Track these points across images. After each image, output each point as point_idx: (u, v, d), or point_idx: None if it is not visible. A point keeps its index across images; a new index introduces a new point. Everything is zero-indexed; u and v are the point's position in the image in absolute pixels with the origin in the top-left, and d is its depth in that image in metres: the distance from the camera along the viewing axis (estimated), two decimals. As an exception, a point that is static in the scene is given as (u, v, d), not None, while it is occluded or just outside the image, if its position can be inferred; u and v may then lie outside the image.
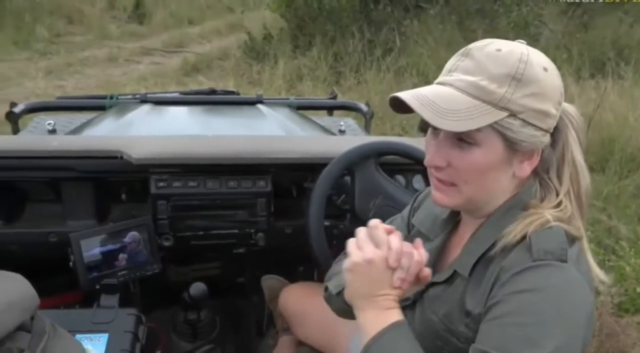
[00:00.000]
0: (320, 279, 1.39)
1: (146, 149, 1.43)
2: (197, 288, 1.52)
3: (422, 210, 1.03)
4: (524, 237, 0.77)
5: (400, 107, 0.81)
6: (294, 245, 1.55)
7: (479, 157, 0.78)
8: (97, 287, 1.35)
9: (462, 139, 0.78)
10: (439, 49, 5.65)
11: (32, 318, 0.83)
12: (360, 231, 0.83)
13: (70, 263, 1.39)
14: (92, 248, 1.39)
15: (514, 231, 0.77)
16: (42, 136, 2.01)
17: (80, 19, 8.35)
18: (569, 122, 0.83)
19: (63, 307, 1.48)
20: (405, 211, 1.08)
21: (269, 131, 1.88)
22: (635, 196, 3.38)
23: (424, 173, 1.53)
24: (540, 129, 0.78)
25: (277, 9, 6.77)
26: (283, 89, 5.44)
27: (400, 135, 4.08)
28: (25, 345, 0.79)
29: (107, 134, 1.83)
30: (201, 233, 1.52)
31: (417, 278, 0.82)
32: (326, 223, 1.43)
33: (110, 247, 1.41)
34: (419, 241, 0.83)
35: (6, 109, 2.12)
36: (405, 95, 0.78)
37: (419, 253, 0.81)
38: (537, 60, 0.78)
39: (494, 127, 0.76)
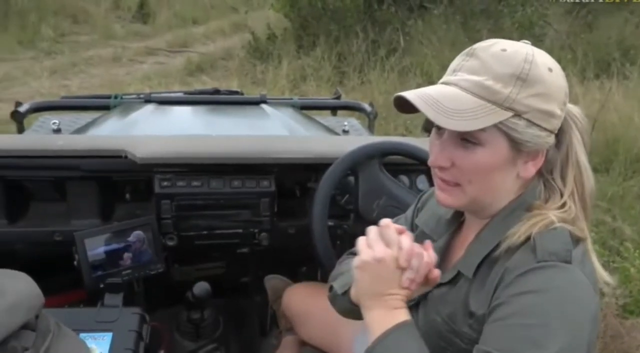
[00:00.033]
0: (324, 279, 1.39)
1: (150, 149, 1.44)
2: (201, 287, 1.52)
3: (425, 211, 1.03)
4: (528, 238, 0.77)
5: (405, 106, 0.81)
6: (297, 245, 1.55)
7: (483, 157, 0.78)
8: (101, 286, 1.36)
9: (467, 139, 0.78)
10: (443, 49, 5.64)
11: (36, 317, 0.83)
12: (371, 230, 0.83)
13: (75, 262, 1.39)
14: (96, 248, 1.39)
15: (518, 232, 0.77)
16: (47, 135, 2.02)
17: (85, 18, 8.37)
18: (573, 123, 0.82)
19: (67, 306, 1.48)
20: (409, 212, 1.08)
21: (272, 131, 1.88)
22: (640, 197, 3.37)
23: (428, 173, 1.52)
24: (545, 129, 0.78)
25: (281, 9, 6.77)
26: (287, 88, 5.45)
27: (404, 135, 4.08)
28: (29, 343, 0.79)
29: (112, 133, 1.84)
30: (205, 232, 1.53)
31: (426, 279, 0.82)
32: (330, 223, 1.43)
33: (114, 246, 1.41)
34: (428, 243, 0.83)
35: (11, 108, 2.12)
36: (410, 94, 0.78)
37: (429, 254, 0.81)
38: (542, 61, 0.78)
39: (498, 127, 0.76)
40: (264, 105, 2.17)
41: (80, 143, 1.55)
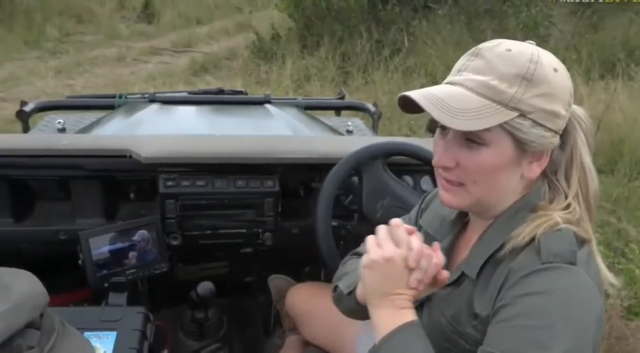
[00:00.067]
0: (327, 279, 1.40)
1: (155, 148, 1.44)
2: (205, 287, 1.52)
3: (429, 212, 1.02)
4: (532, 239, 0.76)
5: (409, 106, 0.80)
6: (301, 245, 1.55)
7: (488, 157, 0.78)
8: (106, 285, 1.36)
9: (471, 139, 0.78)
10: (447, 49, 5.63)
11: (41, 315, 0.83)
12: (381, 229, 0.83)
13: (79, 261, 1.40)
14: (100, 247, 1.39)
15: (522, 233, 0.77)
16: (52, 135, 2.03)
17: (90, 18, 8.40)
18: (578, 125, 0.82)
19: (72, 305, 1.49)
20: (413, 212, 1.08)
21: (276, 131, 1.88)
22: (645, 198, 3.35)
23: (432, 174, 1.52)
24: (550, 129, 0.78)
25: (285, 9, 6.78)
26: (291, 89, 5.45)
27: (407, 135, 4.07)
28: (34, 342, 0.79)
29: (116, 133, 1.85)
30: (209, 232, 1.53)
31: (434, 281, 0.81)
32: (333, 223, 1.43)
33: (118, 245, 1.42)
34: (437, 244, 0.83)
35: (17, 107, 2.13)
36: (415, 94, 0.78)
37: (437, 256, 0.81)
38: (548, 61, 0.78)
39: (503, 127, 0.76)
40: (268, 105, 2.17)
41: (85, 142, 1.55)
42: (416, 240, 0.80)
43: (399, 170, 1.51)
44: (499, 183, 0.80)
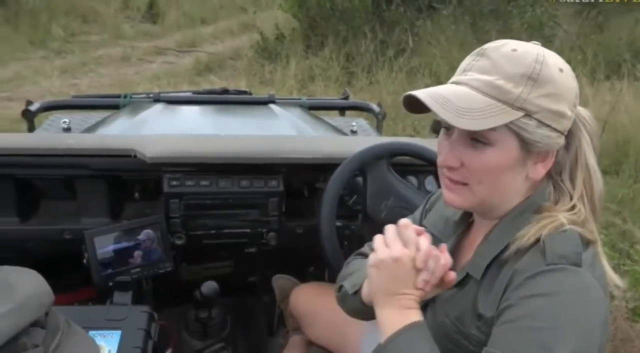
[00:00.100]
0: (331, 279, 1.39)
1: (159, 148, 1.45)
2: (209, 286, 1.52)
3: (433, 212, 1.02)
4: (537, 240, 0.76)
5: (414, 106, 0.80)
6: (305, 245, 1.55)
7: (493, 157, 0.77)
8: (111, 284, 1.37)
9: (476, 139, 0.78)
10: (451, 49, 5.62)
11: (46, 314, 0.84)
12: (390, 229, 0.83)
13: (84, 260, 1.40)
14: (105, 246, 1.40)
15: (527, 234, 0.77)
16: (57, 134, 2.04)
17: (95, 18, 8.44)
18: (583, 126, 0.82)
19: (77, 304, 1.49)
20: (417, 213, 1.08)
21: (281, 131, 1.89)
22: (651, 199, 3.33)
23: (436, 174, 1.50)
24: (555, 130, 0.78)
25: (290, 9, 6.78)
26: (295, 89, 5.45)
27: (412, 136, 4.07)
28: (39, 340, 0.80)
29: (121, 132, 1.85)
30: (213, 232, 1.53)
31: (441, 282, 0.81)
32: (338, 223, 1.43)
33: (123, 244, 1.42)
34: (443, 246, 0.83)
35: (22, 107, 2.14)
36: (421, 93, 0.78)
37: (445, 257, 0.81)
38: (553, 61, 0.78)
39: (509, 127, 0.76)
40: (272, 105, 2.18)
41: (90, 142, 1.56)
42: (424, 241, 0.80)
43: (403, 170, 1.51)
44: (503, 183, 0.80)
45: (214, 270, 1.83)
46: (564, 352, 0.67)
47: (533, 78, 0.75)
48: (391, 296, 0.79)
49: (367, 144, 1.46)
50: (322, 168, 1.52)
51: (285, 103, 2.31)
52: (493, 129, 0.75)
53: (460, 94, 0.77)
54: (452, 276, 0.81)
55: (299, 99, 2.54)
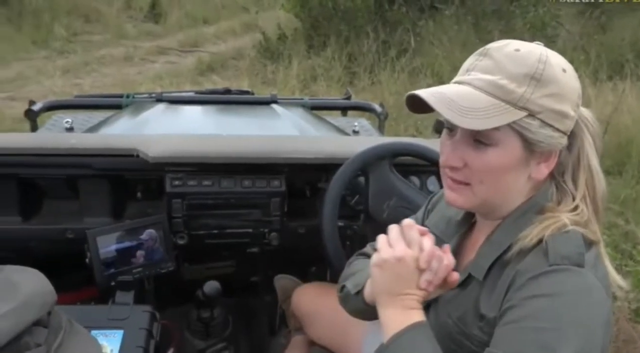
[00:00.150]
0: (333, 279, 1.40)
1: (162, 148, 1.45)
2: (211, 286, 1.52)
3: (436, 213, 1.02)
4: (540, 241, 0.76)
5: (417, 106, 0.80)
6: (307, 245, 1.55)
7: (496, 157, 0.77)
8: (113, 283, 1.37)
9: (479, 139, 0.78)
10: (454, 49, 5.62)
11: (49, 313, 0.84)
12: (393, 229, 0.83)
13: (87, 260, 1.40)
14: (108, 245, 1.40)
15: (530, 234, 0.77)
16: (59, 134, 2.04)
17: (98, 18, 8.45)
18: (585, 127, 0.82)
19: (79, 303, 1.50)
20: (419, 213, 1.08)
21: (283, 131, 1.89)
22: (653, 200, 3.33)
23: (438, 174, 1.51)
24: (558, 130, 0.78)
25: (292, 9, 6.79)
26: (297, 89, 5.45)
27: (414, 136, 4.06)
28: (42, 340, 0.80)
29: (123, 132, 1.85)
30: (215, 232, 1.53)
31: (444, 282, 0.81)
32: (340, 223, 1.42)
33: (125, 244, 1.42)
34: (447, 246, 0.83)
35: (25, 106, 2.15)
36: (424, 93, 0.78)
37: (448, 257, 0.81)
38: (556, 61, 0.78)
39: (512, 127, 0.76)
40: (274, 105, 2.18)
41: (93, 142, 1.56)
42: (428, 242, 0.80)
43: (405, 170, 1.51)
44: (506, 183, 0.80)
45: (216, 270, 1.83)
46: (566, 353, 0.67)
47: (536, 78, 0.75)
48: (394, 296, 0.79)
49: (369, 144, 1.46)
50: (325, 168, 1.52)
51: (288, 103, 2.31)
52: (496, 129, 0.75)
53: (463, 93, 0.77)
54: (455, 277, 0.81)
55: (301, 99, 2.54)
